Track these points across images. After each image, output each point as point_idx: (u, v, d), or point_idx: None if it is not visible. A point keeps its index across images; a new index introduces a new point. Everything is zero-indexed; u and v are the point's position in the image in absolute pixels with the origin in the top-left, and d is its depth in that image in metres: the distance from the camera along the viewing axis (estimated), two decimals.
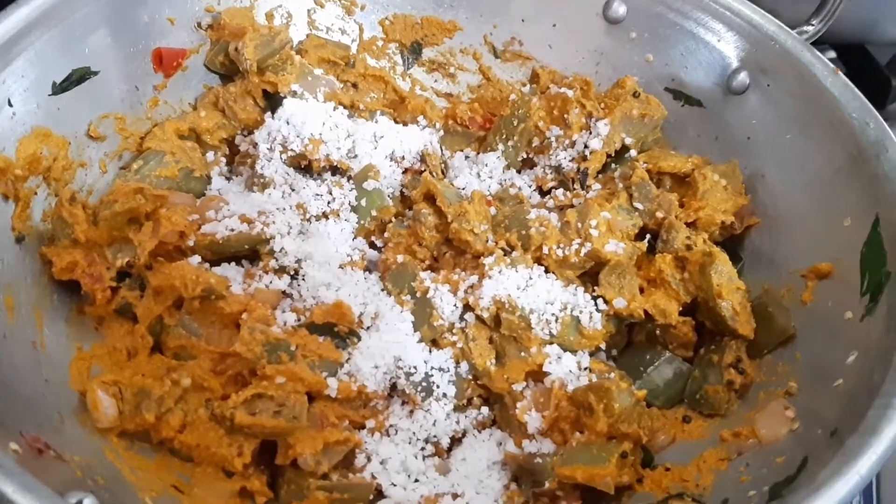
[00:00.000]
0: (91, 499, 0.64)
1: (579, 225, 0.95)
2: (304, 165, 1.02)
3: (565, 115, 1.04)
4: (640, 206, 0.98)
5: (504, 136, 1.08)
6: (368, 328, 0.91)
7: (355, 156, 1.01)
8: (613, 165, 1.05)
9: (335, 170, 1.02)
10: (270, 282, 0.93)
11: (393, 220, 1.01)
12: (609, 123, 1.02)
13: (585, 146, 1.03)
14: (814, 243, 0.93)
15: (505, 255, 0.94)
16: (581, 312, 0.92)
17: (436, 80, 1.21)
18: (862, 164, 0.90)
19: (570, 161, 1.04)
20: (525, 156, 1.09)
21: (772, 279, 0.95)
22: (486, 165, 1.07)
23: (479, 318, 0.90)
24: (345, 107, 1.09)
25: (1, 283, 0.85)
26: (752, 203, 1.01)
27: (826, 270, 0.90)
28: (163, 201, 0.92)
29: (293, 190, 1.00)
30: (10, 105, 0.90)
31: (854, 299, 0.85)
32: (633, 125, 1.03)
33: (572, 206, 1.00)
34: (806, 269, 0.91)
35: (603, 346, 0.93)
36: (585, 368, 0.90)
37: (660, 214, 0.98)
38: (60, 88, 0.96)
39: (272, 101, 1.08)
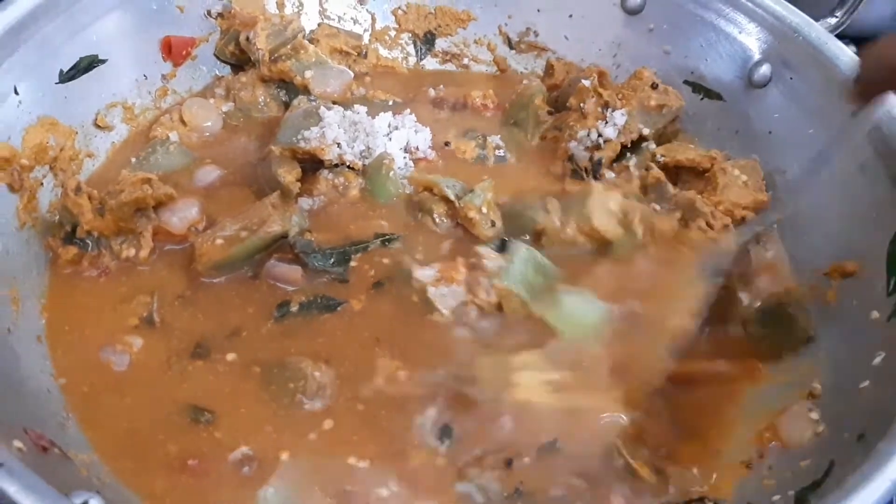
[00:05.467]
0: (97, 499, 0.62)
1: (580, 204, 0.93)
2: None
3: (581, 104, 1.02)
4: (657, 207, 0.96)
5: (513, 122, 1.08)
6: None
7: (369, 155, 0.99)
8: (629, 155, 1.03)
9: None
10: None
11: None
12: (626, 113, 0.99)
13: (599, 135, 1.01)
14: (838, 241, 0.90)
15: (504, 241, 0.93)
16: None
17: None
18: (888, 160, 0.88)
19: (583, 150, 1.01)
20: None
21: (795, 277, 0.92)
22: None
23: (479, 307, 0.88)
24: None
25: (6, 275, 0.83)
26: (773, 199, 0.98)
27: (851, 269, 0.87)
28: (170, 199, 0.90)
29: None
30: (17, 93, 0.88)
31: (881, 299, 0.82)
32: (651, 116, 1.01)
33: None
34: (829, 268, 0.89)
35: None
36: None
37: (677, 215, 0.96)
38: (67, 77, 0.94)
39: (291, 92, 1.06)
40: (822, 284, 0.89)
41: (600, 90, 1.02)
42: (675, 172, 1.02)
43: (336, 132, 0.96)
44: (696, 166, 1.00)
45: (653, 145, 1.02)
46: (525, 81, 1.11)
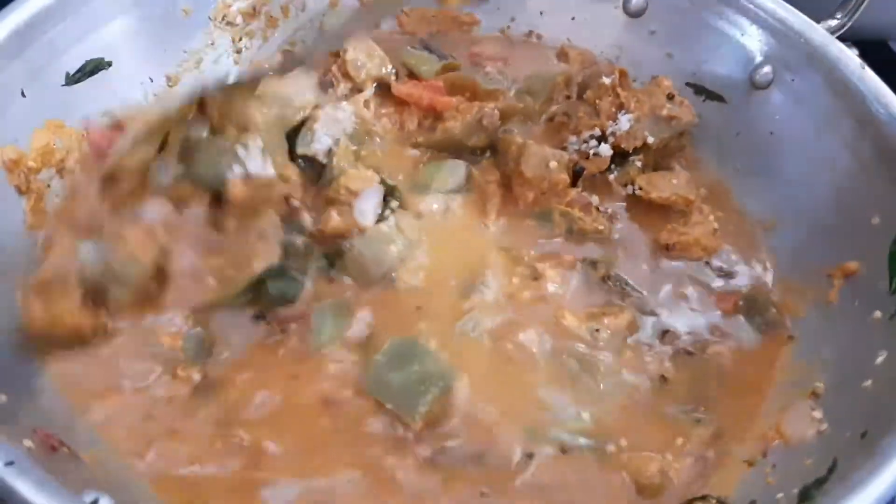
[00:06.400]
0: (107, 498, 0.63)
1: None
2: None
3: (598, 101, 1.01)
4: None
5: (526, 90, 1.08)
6: None
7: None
8: (613, 167, 1.01)
9: None
10: None
11: None
12: (632, 119, 0.99)
13: (599, 142, 1.00)
14: (840, 241, 0.91)
15: None
16: None
17: None
18: (890, 161, 0.88)
19: (575, 152, 1.01)
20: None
21: (797, 278, 0.93)
22: None
23: None
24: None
25: (14, 275, 0.83)
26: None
27: (853, 269, 0.88)
28: None
29: None
30: (24, 96, 0.89)
31: (883, 298, 0.83)
32: (659, 125, 1.00)
33: None
34: (832, 268, 0.90)
35: None
36: None
37: None
38: (73, 79, 0.95)
39: None
40: (825, 284, 0.90)
41: (619, 90, 1.01)
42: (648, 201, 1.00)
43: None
44: (670, 205, 0.99)
45: (639, 163, 1.01)
46: None
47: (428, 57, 1.08)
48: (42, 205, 0.89)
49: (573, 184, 0.99)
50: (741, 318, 0.92)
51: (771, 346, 0.90)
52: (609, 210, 0.99)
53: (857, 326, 0.84)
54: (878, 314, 0.83)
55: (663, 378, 0.86)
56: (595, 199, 0.98)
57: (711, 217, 0.97)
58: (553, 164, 0.97)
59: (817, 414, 0.79)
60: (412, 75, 1.07)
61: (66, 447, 0.71)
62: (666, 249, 0.96)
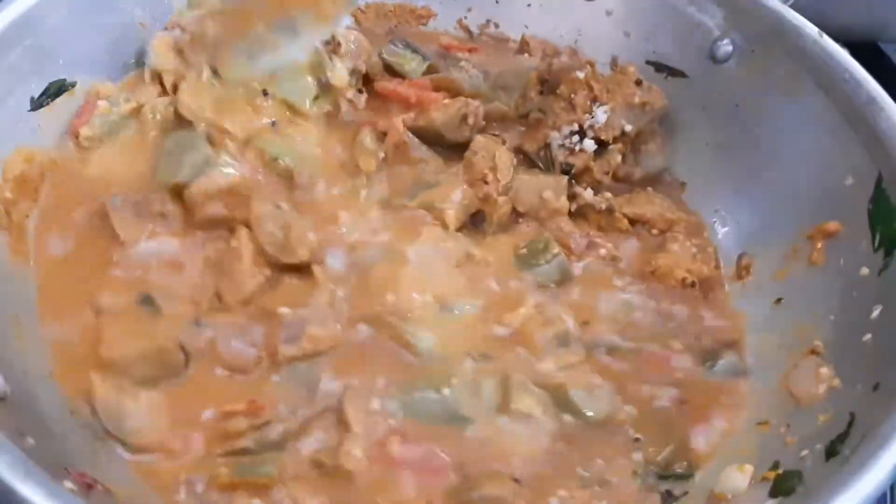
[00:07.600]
0: None
1: None
2: None
3: (572, 95, 1.02)
4: None
5: (501, 86, 1.08)
6: None
7: None
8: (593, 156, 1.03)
9: None
10: None
11: None
12: (608, 110, 1.00)
13: (580, 137, 1.02)
14: (817, 205, 0.94)
15: None
16: None
17: None
18: (858, 124, 0.91)
19: (559, 147, 1.02)
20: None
21: (779, 244, 0.96)
22: None
23: None
24: None
25: (8, 314, 0.80)
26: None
27: (833, 229, 0.91)
28: None
29: None
30: None
31: (868, 255, 0.86)
32: (633, 113, 1.02)
33: None
34: (812, 230, 0.93)
35: None
36: None
37: None
38: (38, 104, 0.92)
39: None
40: (807, 246, 0.93)
41: (592, 83, 1.02)
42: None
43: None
44: (649, 222, 1.02)
45: (618, 157, 1.03)
46: None
47: (412, 56, 1.07)
48: (24, 236, 0.86)
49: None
50: None
51: None
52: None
53: (846, 284, 0.87)
54: (865, 271, 0.85)
55: None
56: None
57: (688, 243, 0.99)
58: (548, 193, 0.98)
59: (825, 370, 0.82)
60: (392, 73, 1.06)
61: (100, 484, 0.69)
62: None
